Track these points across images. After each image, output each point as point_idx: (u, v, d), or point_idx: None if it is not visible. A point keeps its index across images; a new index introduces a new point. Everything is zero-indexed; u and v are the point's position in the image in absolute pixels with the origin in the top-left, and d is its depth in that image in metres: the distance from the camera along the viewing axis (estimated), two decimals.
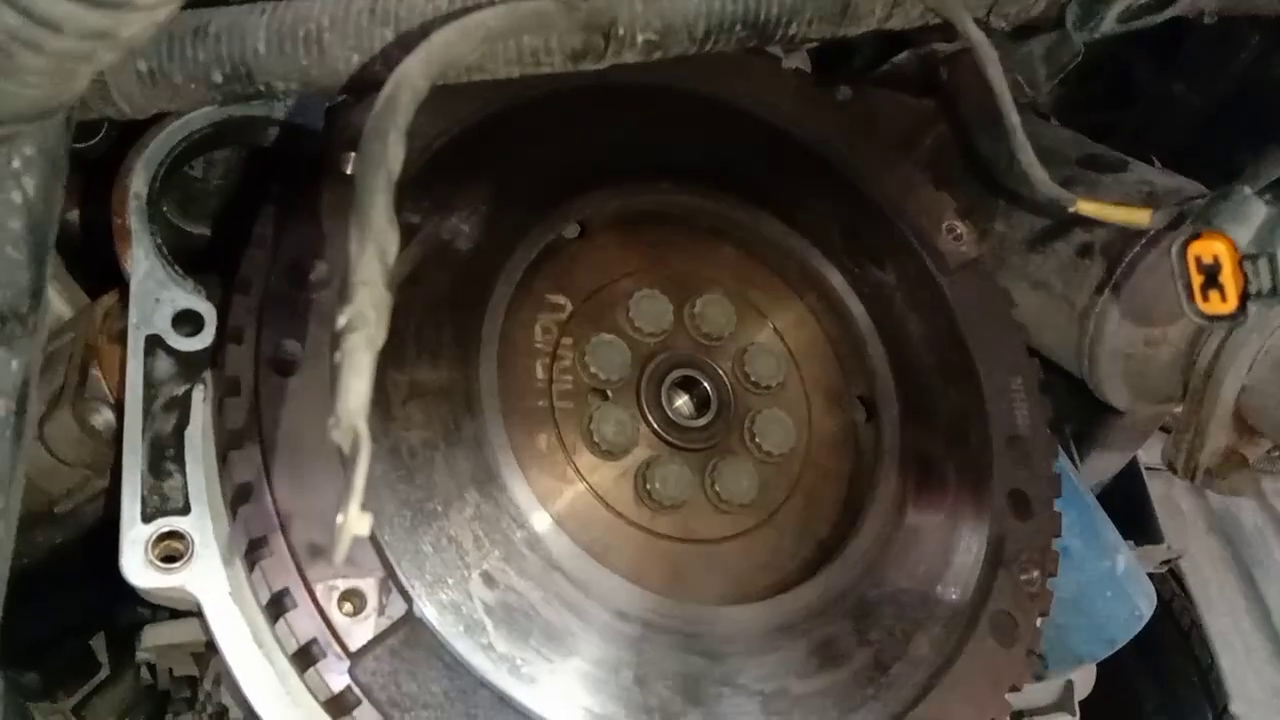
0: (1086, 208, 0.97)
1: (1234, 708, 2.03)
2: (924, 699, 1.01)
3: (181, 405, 0.98)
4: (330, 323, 0.91)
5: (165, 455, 0.97)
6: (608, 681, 0.91)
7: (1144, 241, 1.23)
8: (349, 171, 0.96)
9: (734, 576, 1.04)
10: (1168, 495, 2.16)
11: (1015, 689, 1.06)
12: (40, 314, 0.65)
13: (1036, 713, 1.71)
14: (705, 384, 1.09)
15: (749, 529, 1.07)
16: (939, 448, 1.14)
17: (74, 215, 1.27)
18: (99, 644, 1.49)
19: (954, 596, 1.06)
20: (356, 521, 0.47)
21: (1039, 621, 1.10)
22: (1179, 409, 1.26)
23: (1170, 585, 2.17)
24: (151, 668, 1.31)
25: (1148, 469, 1.99)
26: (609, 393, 1.05)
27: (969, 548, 1.09)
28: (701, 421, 1.08)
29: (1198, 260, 0.81)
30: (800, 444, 1.11)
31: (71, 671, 1.44)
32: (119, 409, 1.07)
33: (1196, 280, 0.82)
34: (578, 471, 1.02)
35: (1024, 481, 1.15)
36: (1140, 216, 0.93)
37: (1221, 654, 2.08)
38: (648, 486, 1.02)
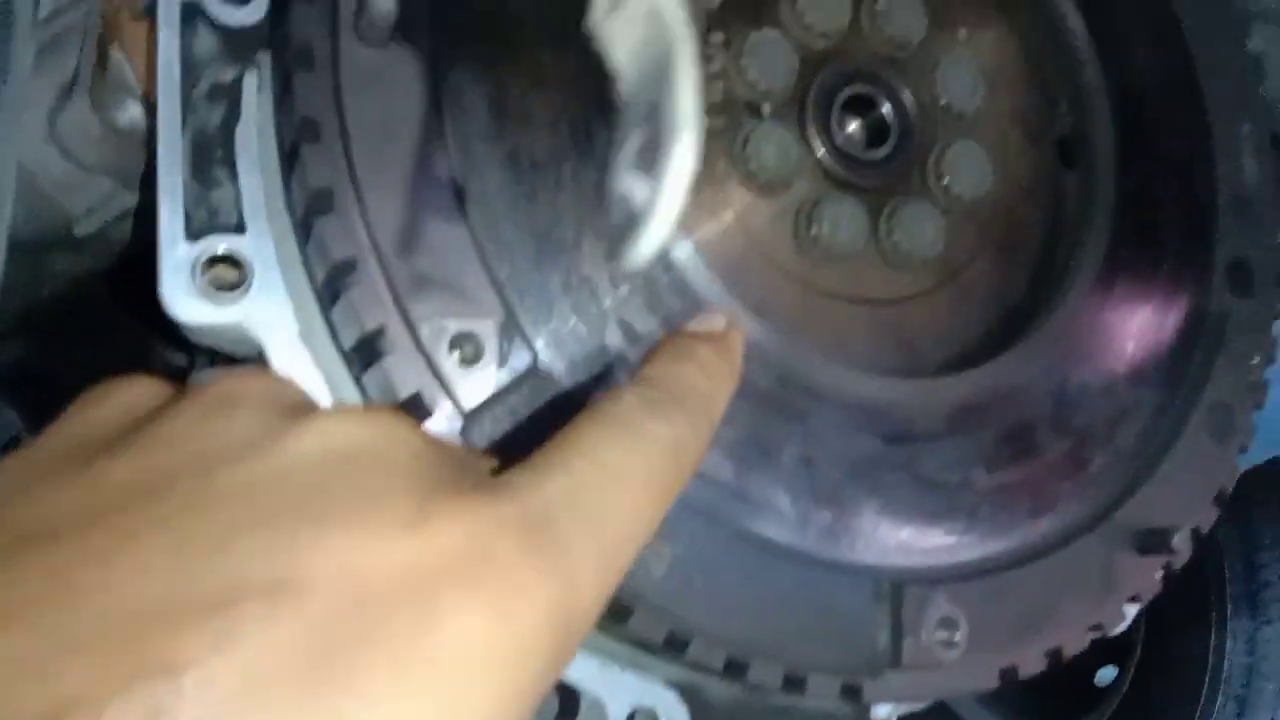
0: None
1: None
2: (1127, 499, 0.84)
3: (230, 95, 0.76)
4: None
5: (212, 158, 0.76)
6: (766, 460, 0.73)
7: None
8: None
9: (909, 345, 0.85)
10: None
11: (1224, 493, 0.89)
12: None
13: None
14: (885, 105, 0.86)
15: (929, 289, 0.87)
16: (1156, 203, 0.92)
17: None
18: None
19: (1167, 382, 0.88)
20: None
21: (1253, 416, 0.92)
22: None
23: None
24: None
25: None
26: (766, 109, 0.83)
27: (1187, 326, 0.89)
28: (879, 154, 0.85)
29: None
30: (995, 189, 0.89)
31: None
32: (149, 105, 0.86)
33: None
34: (729, 207, 0.81)
35: (1248, 250, 0.94)
36: None
37: None
38: (812, 231, 0.82)
